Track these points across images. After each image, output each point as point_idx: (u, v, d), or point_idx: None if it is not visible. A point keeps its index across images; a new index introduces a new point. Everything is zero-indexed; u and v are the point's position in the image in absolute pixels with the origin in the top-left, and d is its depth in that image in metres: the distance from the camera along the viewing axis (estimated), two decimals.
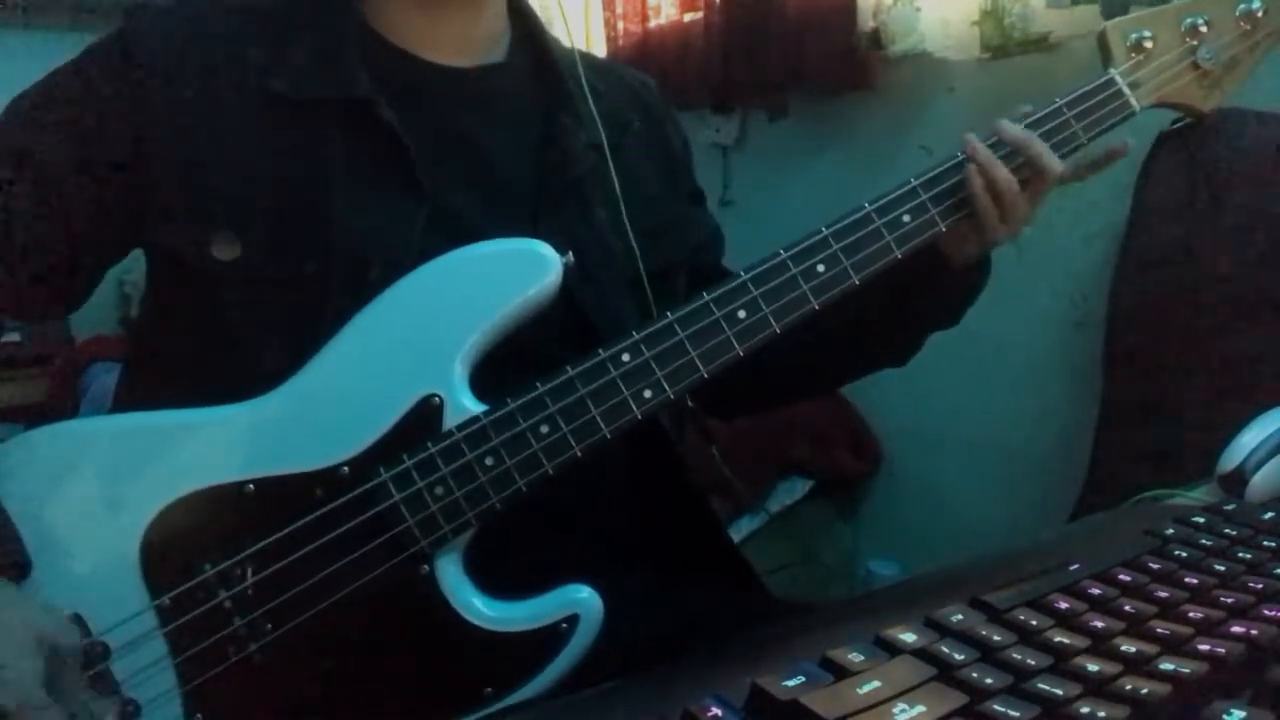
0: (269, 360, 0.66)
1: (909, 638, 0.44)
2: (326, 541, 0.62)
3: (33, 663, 0.54)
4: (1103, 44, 0.80)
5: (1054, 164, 0.74)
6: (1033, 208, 0.76)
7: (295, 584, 0.62)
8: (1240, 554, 0.54)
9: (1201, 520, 0.59)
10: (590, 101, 0.80)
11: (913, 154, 1.83)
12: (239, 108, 0.71)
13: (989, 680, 0.41)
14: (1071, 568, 0.52)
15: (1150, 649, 0.43)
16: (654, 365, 0.65)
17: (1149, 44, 0.79)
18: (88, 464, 0.65)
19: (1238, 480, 0.68)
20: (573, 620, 0.63)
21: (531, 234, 0.68)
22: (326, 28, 0.74)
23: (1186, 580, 0.51)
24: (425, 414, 0.64)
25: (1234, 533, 0.57)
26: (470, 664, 0.63)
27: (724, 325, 0.67)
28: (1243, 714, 0.37)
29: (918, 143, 1.85)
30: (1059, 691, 0.40)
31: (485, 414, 0.63)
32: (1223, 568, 0.52)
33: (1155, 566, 0.53)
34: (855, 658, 0.42)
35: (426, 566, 0.63)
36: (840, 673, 0.42)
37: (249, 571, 0.62)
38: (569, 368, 0.65)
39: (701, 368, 0.66)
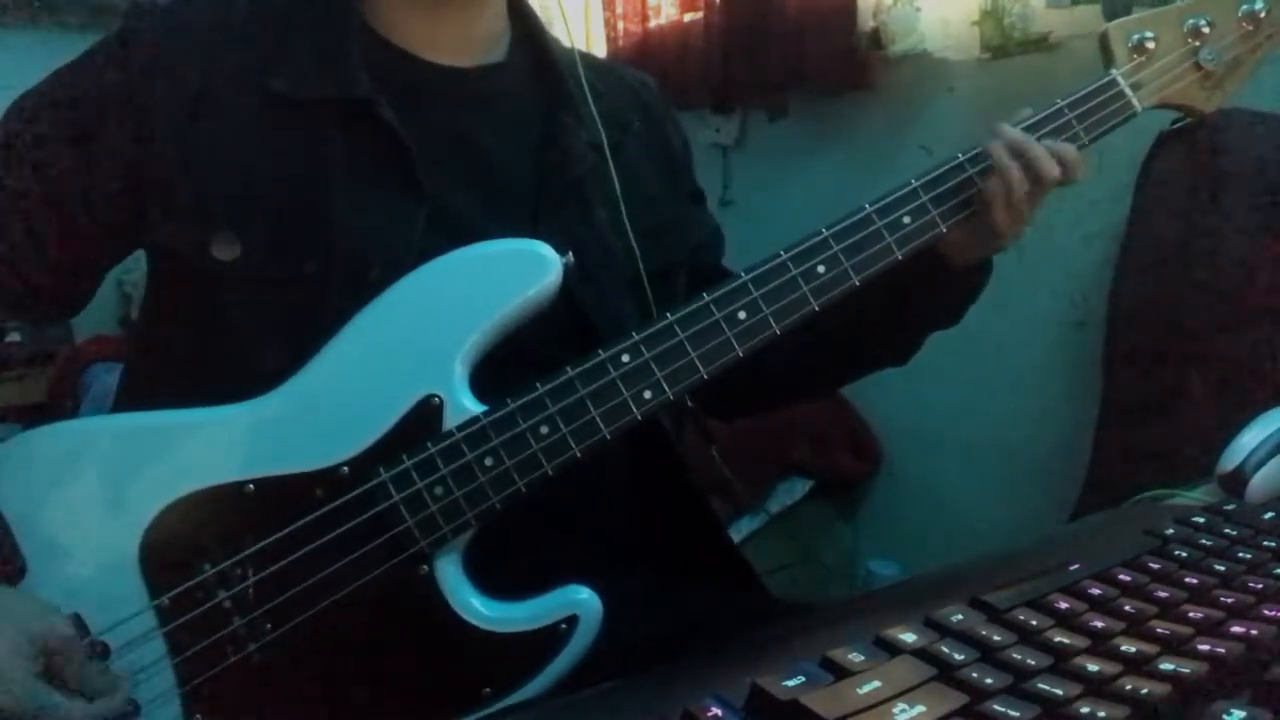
0: (269, 360, 0.66)
1: (909, 638, 0.44)
2: (326, 542, 0.62)
3: (25, 663, 0.54)
4: (1104, 45, 0.80)
5: (1052, 167, 0.74)
6: (1032, 210, 0.76)
7: (295, 584, 0.62)
8: (1240, 554, 0.54)
9: (1201, 520, 0.59)
10: (590, 101, 0.80)
11: (913, 154, 1.83)
12: (239, 108, 0.71)
13: (989, 680, 0.41)
14: (1071, 568, 0.52)
15: (1150, 649, 0.43)
16: (654, 366, 0.65)
17: (1151, 45, 0.79)
18: (88, 464, 0.65)
19: (1238, 480, 0.68)
20: (572, 621, 0.63)
21: (531, 234, 0.68)
22: (326, 28, 0.74)
23: (1186, 580, 0.51)
24: (425, 414, 0.64)
25: (1234, 533, 0.57)
26: (469, 664, 0.63)
27: (724, 326, 0.67)
28: (1243, 714, 0.37)
29: (918, 143, 1.85)
30: (1059, 691, 0.39)
31: (485, 414, 0.63)
32: (1223, 568, 0.52)
33: (1155, 566, 0.53)
34: (855, 658, 0.42)
35: (426, 567, 0.63)
36: (840, 673, 0.42)
37: (249, 571, 0.62)
38: (569, 368, 0.65)
39: (701, 369, 0.66)
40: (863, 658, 0.42)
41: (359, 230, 0.70)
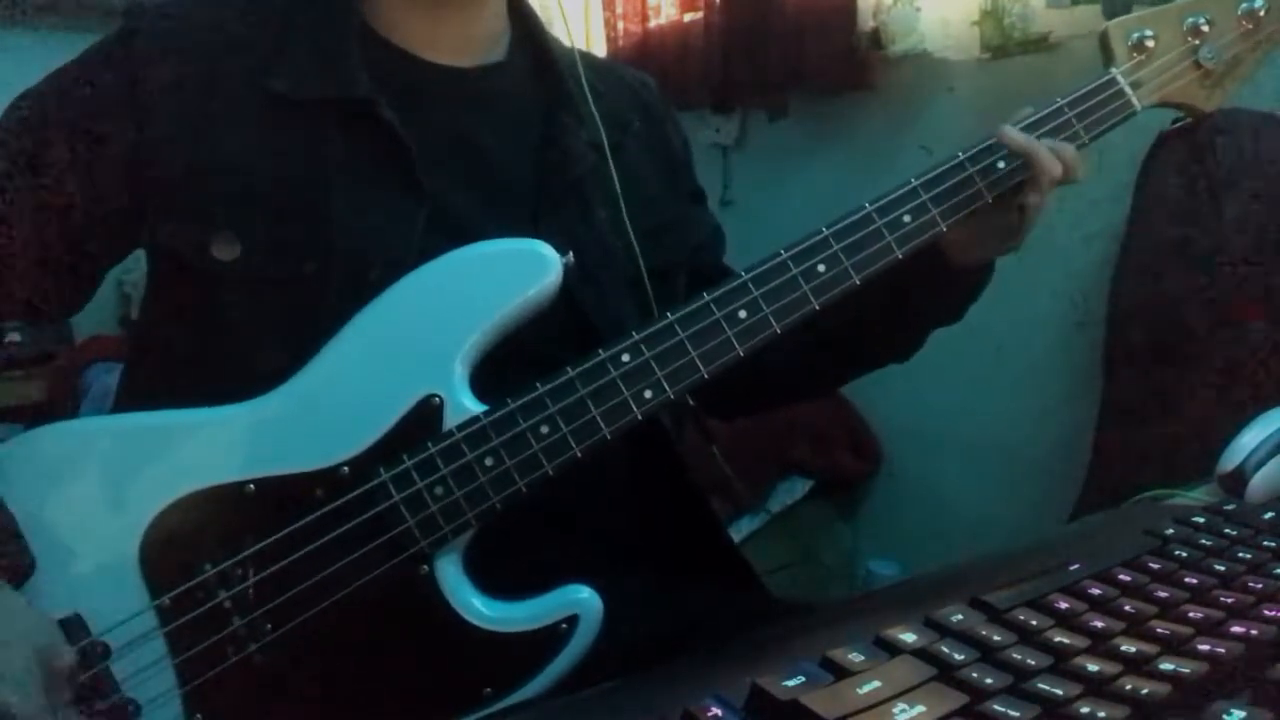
0: (269, 360, 0.66)
1: (909, 638, 0.44)
2: (326, 542, 0.62)
3: (32, 671, 0.54)
4: (1104, 43, 0.80)
5: (1054, 168, 0.74)
6: (1034, 212, 0.76)
7: (295, 584, 0.62)
8: (1240, 554, 0.54)
9: (1201, 520, 0.59)
10: (590, 101, 0.80)
11: (913, 154, 1.83)
12: (239, 108, 0.71)
13: (989, 680, 0.41)
14: (1071, 568, 0.52)
15: (1150, 649, 0.43)
16: (654, 365, 0.65)
17: (1151, 43, 0.79)
18: (88, 464, 0.65)
19: (1238, 480, 0.68)
20: (573, 620, 0.63)
21: (532, 234, 0.68)
22: (326, 28, 0.74)
23: (1186, 580, 0.51)
24: (425, 414, 0.64)
25: (1234, 533, 0.57)
26: (470, 664, 0.63)
27: (724, 325, 0.67)
28: (1243, 714, 0.37)
29: (918, 143, 1.85)
30: (1059, 691, 0.39)
31: (485, 414, 0.63)
32: (1223, 568, 0.52)
33: (1155, 566, 0.53)
34: (855, 658, 0.42)
35: (426, 567, 0.63)
36: (840, 673, 0.42)
37: (249, 571, 0.62)
38: (569, 368, 0.65)
39: (702, 368, 0.66)
40: (863, 658, 0.42)
41: (359, 230, 0.70)
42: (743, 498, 1.88)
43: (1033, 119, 0.76)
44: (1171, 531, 0.57)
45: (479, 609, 0.63)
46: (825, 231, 0.70)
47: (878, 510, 2.11)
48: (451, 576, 0.63)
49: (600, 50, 2.46)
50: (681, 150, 0.92)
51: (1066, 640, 0.44)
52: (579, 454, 0.64)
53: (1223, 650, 0.42)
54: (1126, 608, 0.48)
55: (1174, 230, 1.41)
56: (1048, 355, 1.74)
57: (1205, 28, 0.80)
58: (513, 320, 0.66)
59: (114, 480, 0.64)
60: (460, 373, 0.65)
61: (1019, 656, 0.43)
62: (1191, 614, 0.47)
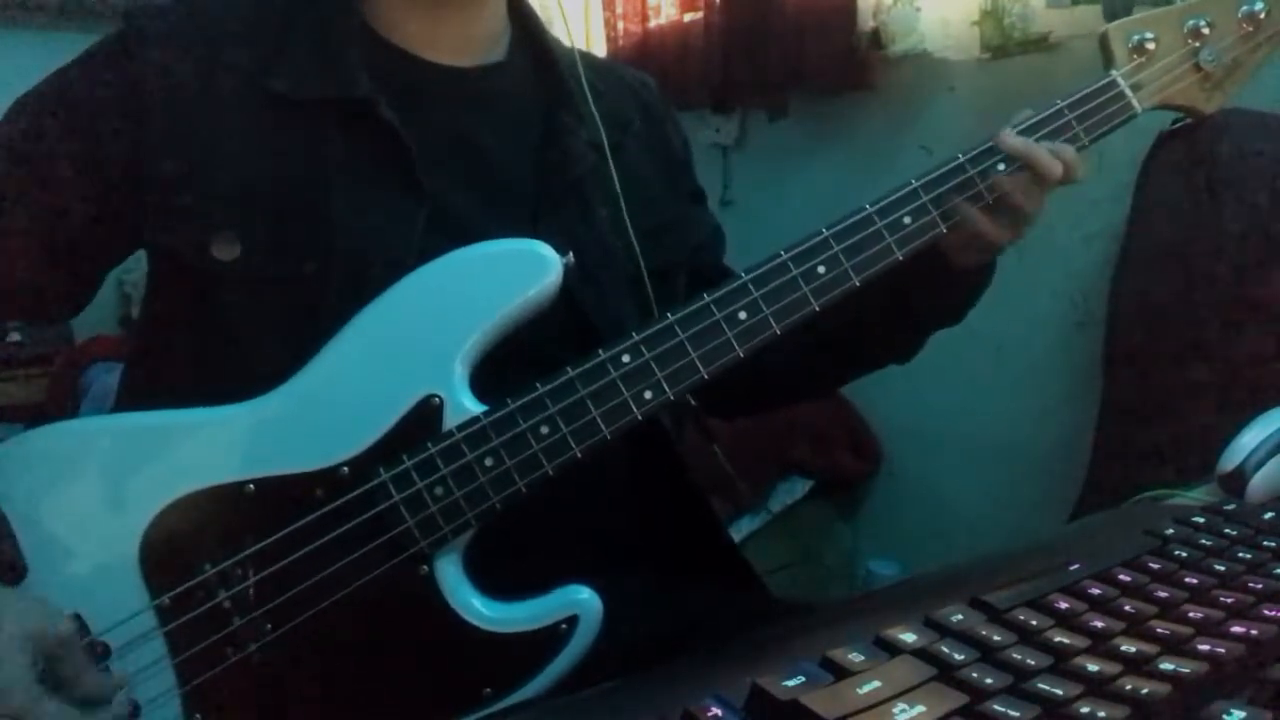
0: (269, 360, 0.66)
1: (909, 638, 0.44)
2: (326, 542, 0.62)
3: (24, 660, 0.54)
4: (1104, 45, 0.80)
5: (1054, 169, 0.74)
6: (1032, 212, 0.76)
7: (295, 584, 0.62)
8: (1240, 554, 0.54)
9: (1201, 520, 0.59)
10: (590, 100, 0.80)
11: (913, 154, 1.83)
12: (239, 108, 0.71)
13: (989, 680, 0.41)
14: (1071, 568, 0.52)
15: (1150, 649, 0.43)
16: (654, 366, 0.65)
17: (1151, 45, 0.79)
18: (88, 464, 0.65)
19: (1238, 480, 0.68)
20: (572, 621, 0.63)
21: (532, 234, 0.68)
22: (326, 28, 0.74)
23: (1186, 580, 0.51)
24: (425, 414, 0.64)
25: (1234, 533, 0.57)
26: (470, 664, 0.63)
27: (724, 326, 0.67)
28: (1243, 714, 0.37)
29: (918, 143, 1.85)
30: (1059, 691, 0.39)
31: (485, 414, 0.63)
32: (1223, 568, 0.52)
33: (1155, 566, 0.53)
34: (855, 658, 0.42)
35: (426, 567, 0.63)
36: (840, 673, 0.42)
37: (249, 571, 0.62)
38: (569, 368, 0.65)
39: (702, 369, 0.66)
40: (863, 658, 0.42)
41: (359, 230, 0.70)
42: (743, 497, 1.88)
43: (1032, 121, 0.76)
44: (1171, 531, 0.57)
45: (479, 609, 0.63)
46: (825, 232, 0.70)
47: (878, 510, 2.11)
48: (451, 577, 0.63)
49: (600, 50, 2.46)
50: (681, 150, 0.92)
51: (1066, 640, 0.44)
52: (579, 454, 0.64)
53: (1223, 650, 0.42)
54: (1126, 608, 0.48)
55: (1174, 230, 1.41)
56: (1048, 355, 1.74)
57: (1206, 30, 0.80)
58: (513, 320, 0.66)
59: (114, 480, 0.64)
60: (460, 373, 0.65)
61: (1019, 656, 0.43)
62: (1191, 614, 0.47)
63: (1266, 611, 0.46)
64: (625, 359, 0.65)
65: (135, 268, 0.78)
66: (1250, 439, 0.70)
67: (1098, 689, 0.40)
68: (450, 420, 0.64)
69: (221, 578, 0.62)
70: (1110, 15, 1.42)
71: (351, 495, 0.62)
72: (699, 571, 0.82)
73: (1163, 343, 1.42)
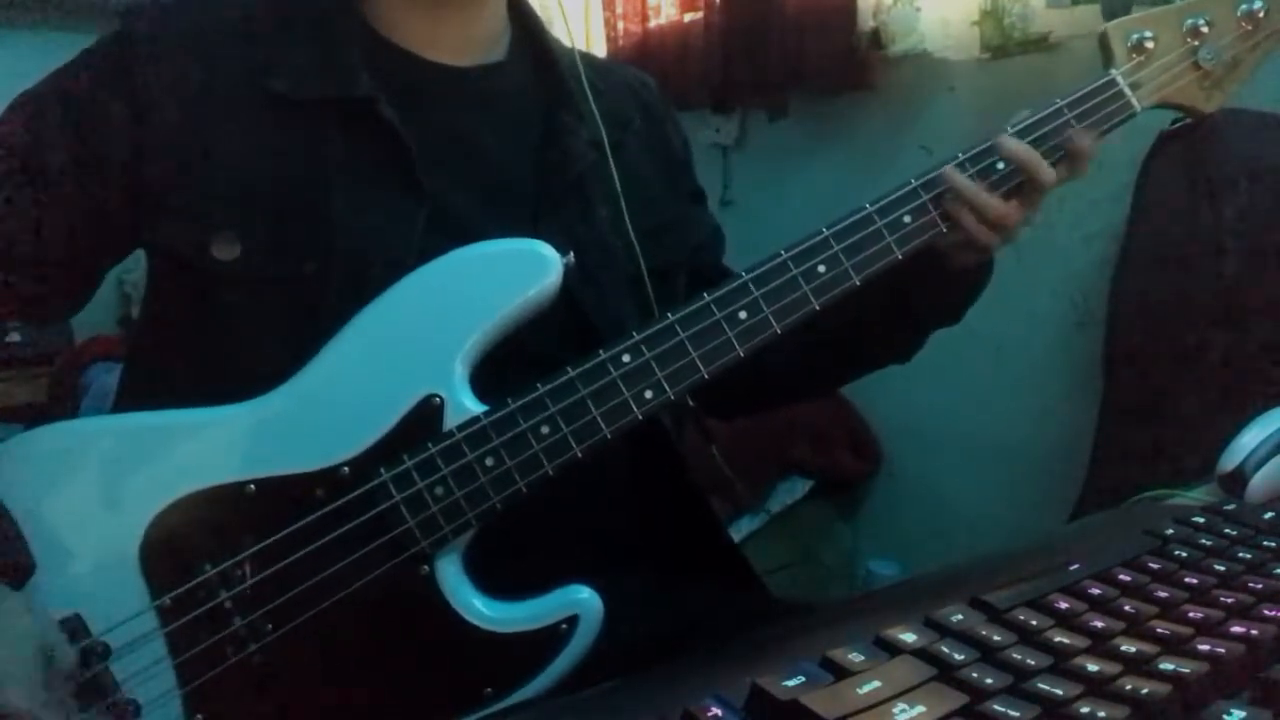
0: (269, 360, 0.66)
1: (909, 638, 0.44)
2: (327, 542, 0.62)
3: (25, 660, 0.54)
4: (1104, 44, 0.80)
5: (1048, 174, 0.74)
6: (1027, 214, 0.76)
7: (296, 584, 0.62)
8: (1240, 554, 0.54)
9: (1201, 520, 0.59)
10: (591, 100, 0.80)
11: (913, 154, 1.83)
12: (239, 108, 0.71)
13: (989, 680, 0.41)
14: (1071, 568, 0.52)
15: (1150, 649, 0.43)
16: (655, 366, 0.65)
17: (1150, 44, 0.79)
18: (88, 464, 0.65)
19: (1238, 480, 0.68)
20: (573, 621, 0.63)
21: (532, 234, 0.68)
22: (327, 27, 0.74)
23: (1186, 580, 0.51)
24: (426, 414, 0.64)
25: (1234, 533, 0.57)
26: (470, 664, 0.63)
27: (725, 326, 0.67)
28: (1243, 714, 0.37)
29: (918, 143, 1.86)
30: (1059, 691, 0.40)
31: (486, 414, 0.63)
32: (1223, 568, 0.52)
33: (1155, 566, 0.53)
34: (855, 658, 0.42)
35: (427, 567, 0.63)
36: (840, 673, 0.42)
37: (249, 572, 0.62)
38: (569, 368, 0.65)
39: (702, 368, 0.66)
40: (863, 658, 0.43)
41: (359, 230, 0.70)
42: (743, 497, 1.88)
43: (1032, 120, 0.76)
44: (1171, 531, 0.57)
45: (479, 609, 0.63)
46: (825, 232, 0.70)
47: (878, 510, 2.11)
48: (452, 577, 0.63)
49: (600, 50, 2.46)
50: (681, 150, 0.92)
51: (1066, 640, 0.44)
52: (579, 454, 0.64)
53: (1223, 650, 0.42)
54: (1126, 608, 0.48)
55: (1174, 230, 1.41)
56: (1048, 355, 1.74)
57: (1205, 29, 0.80)
58: (513, 320, 0.66)
59: (114, 480, 0.64)
60: (460, 373, 0.65)
61: (1019, 656, 0.43)
62: (1191, 614, 0.47)
63: (1266, 611, 0.46)
64: (625, 359, 0.65)
65: (135, 268, 0.78)
66: (1250, 439, 0.70)
67: (1098, 689, 0.40)
68: (451, 420, 0.64)
69: (222, 578, 0.62)
70: (1110, 15, 1.42)
71: (352, 495, 0.62)
72: (699, 571, 0.82)
73: (1163, 343, 1.42)
